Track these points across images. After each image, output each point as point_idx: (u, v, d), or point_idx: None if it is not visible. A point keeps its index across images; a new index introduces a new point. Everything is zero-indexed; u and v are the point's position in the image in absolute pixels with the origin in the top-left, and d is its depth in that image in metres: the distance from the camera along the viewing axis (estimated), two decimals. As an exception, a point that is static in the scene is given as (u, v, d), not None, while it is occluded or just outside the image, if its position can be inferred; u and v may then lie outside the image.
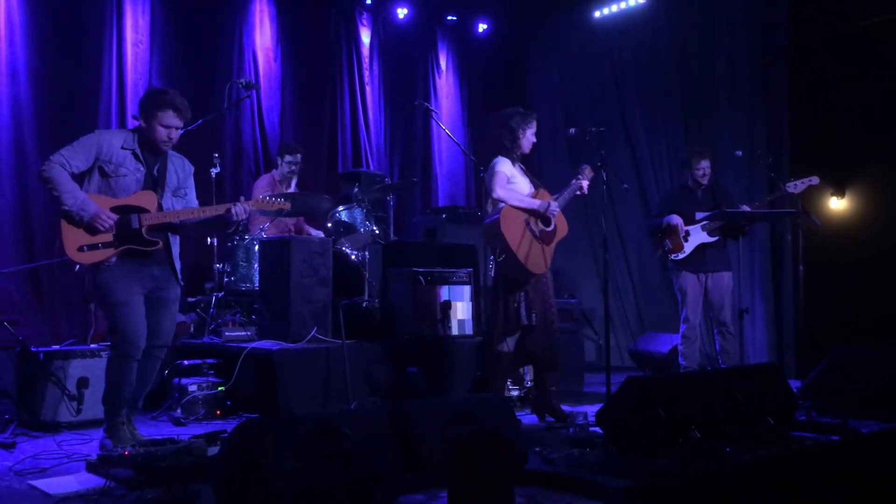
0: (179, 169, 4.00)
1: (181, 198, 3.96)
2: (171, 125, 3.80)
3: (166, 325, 3.93)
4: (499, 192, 4.56)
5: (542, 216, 4.56)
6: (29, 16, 5.97)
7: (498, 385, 4.67)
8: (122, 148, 3.79)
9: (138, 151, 3.82)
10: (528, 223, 4.56)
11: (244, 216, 3.90)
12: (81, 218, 3.63)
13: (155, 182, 3.86)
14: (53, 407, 4.38)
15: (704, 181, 5.76)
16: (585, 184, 4.62)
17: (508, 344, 4.58)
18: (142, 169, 3.82)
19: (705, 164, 5.74)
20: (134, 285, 3.76)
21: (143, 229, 3.75)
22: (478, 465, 2.14)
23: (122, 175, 3.77)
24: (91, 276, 3.80)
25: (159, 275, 3.86)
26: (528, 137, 4.66)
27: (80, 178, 3.74)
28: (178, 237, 3.96)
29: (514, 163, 4.69)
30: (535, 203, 4.55)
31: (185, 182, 4.02)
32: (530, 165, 5.04)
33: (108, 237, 3.68)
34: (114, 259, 3.71)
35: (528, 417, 4.69)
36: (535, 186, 4.72)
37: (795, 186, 5.47)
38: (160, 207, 3.82)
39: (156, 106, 3.78)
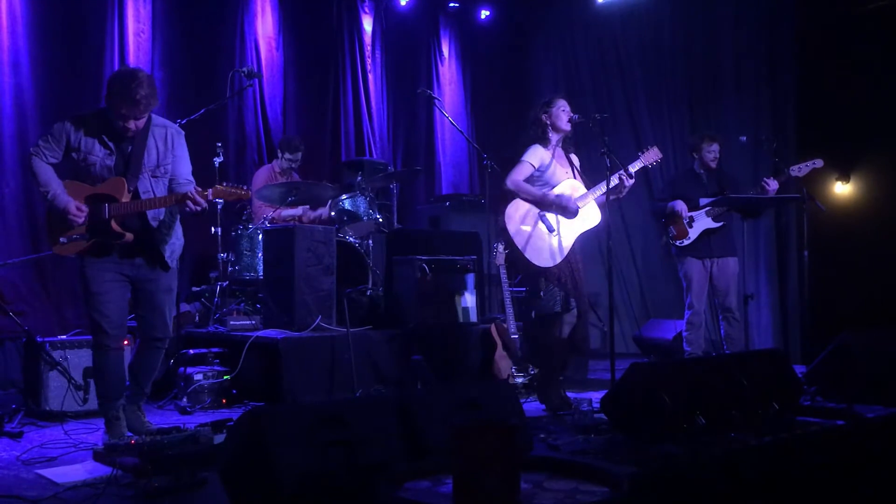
0: (161, 141, 3.69)
1: (161, 177, 3.69)
2: (127, 116, 3.51)
3: (161, 317, 3.78)
4: (509, 183, 4.56)
5: (561, 207, 4.53)
6: (31, 6, 5.96)
7: (550, 375, 4.64)
8: (88, 135, 3.58)
9: (105, 137, 3.59)
10: (541, 215, 4.55)
11: (197, 208, 3.61)
12: (56, 210, 3.56)
13: (126, 165, 3.61)
14: (60, 396, 4.39)
15: (714, 164, 5.72)
16: (627, 182, 4.52)
17: (555, 330, 4.57)
18: (111, 154, 3.61)
19: (716, 148, 5.71)
20: (111, 273, 3.64)
21: (112, 221, 3.57)
22: (483, 451, 2.14)
23: (91, 163, 3.59)
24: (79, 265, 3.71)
25: (142, 263, 3.70)
26: (557, 115, 4.60)
27: (58, 166, 3.65)
28: (161, 226, 3.72)
29: (548, 148, 4.65)
30: (548, 195, 4.53)
31: (166, 157, 3.70)
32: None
33: (83, 229, 3.59)
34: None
35: (532, 404, 4.70)
36: (575, 175, 4.68)
37: (800, 170, 5.44)
38: (136, 193, 3.62)
39: (113, 94, 3.50)
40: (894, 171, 6.88)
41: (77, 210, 3.54)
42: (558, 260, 4.51)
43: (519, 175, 4.56)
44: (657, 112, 8.11)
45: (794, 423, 3.92)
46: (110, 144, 3.61)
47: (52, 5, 6.05)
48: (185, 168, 3.79)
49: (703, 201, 5.60)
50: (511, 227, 4.53)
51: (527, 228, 4.53)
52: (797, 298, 6.97)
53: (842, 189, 7.27)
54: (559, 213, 4.54)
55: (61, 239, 3.60)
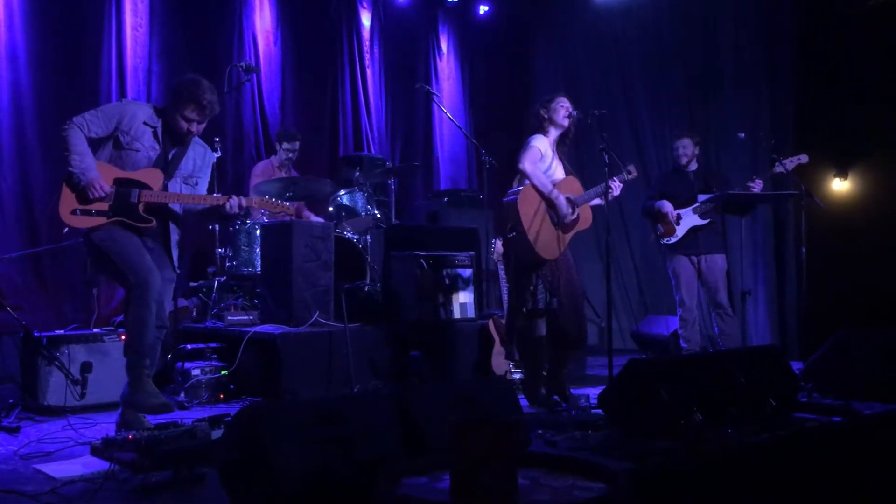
0: (199, 157, 3.99)
1: (191, 186, 3.94)
2: (191, 119, 3.79)
3: (160, 305, 3.81)
4: (527, 165, 4.48)
5: (559, 208, 4.52)
6: (28, 0, 5.93)
7: (534, 371, 4.65)
8: (145, 123, 3.78)
9: (159, 131, 3.81)
10: (548, 206, 4.55)
11: (237, 210, 3.85)
12: (79, 181, 3.62)
13: (166, 164, 3.84)
14: (57, 392, 4.38)
15: (682, 161, 5.77)
16: (617, 186, 4.57)
17: (539, 327, 4.57)
18: (157, 148, 3.81)
19: (680, 144, 5.75)
20: (134, 238, 3.73)
21: (141, 206, 3.72)
22: (480, 447, 2.14)
23: (136, 150, 3.76)
24: (86, 244, 3.74)
25: (153, 248, 3.82)
26: (557, 110, 4.61)
27: (96, 144, 3.74)
28: (178, 225, 3.94)
29: (551, 143, 4.66)
30: (554, 193, 4.52)
31: (200, 171, 4.00)
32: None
33: (104, 206, 3.68)
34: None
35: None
36: (567, 174, 4.69)
37: (785, 165, 5.46)
38: (165, 189, 3.81)
39: (180, 96, 3.78)
40: (892, 169, 6.89)
41: (101, 187, 3.63)
42: (557, 255, 4.51)
43: (533, 158, 4.51)
44: (656, 109, 8.11)
45: (791, 420, 3.92)
46: (161, 140, 3.81)
47: (48, -1, 6.03)
48: (205, 190, 4.08)
49: (702, 198, 5.61)
50: (525, 212, 4.43)
51: (539, 217, 4.47)
52: (795, 295, 6.98)
53: (840, 186, 7.28)
54: (554, 212, 4.53)
55: (77, 210, 3.65)
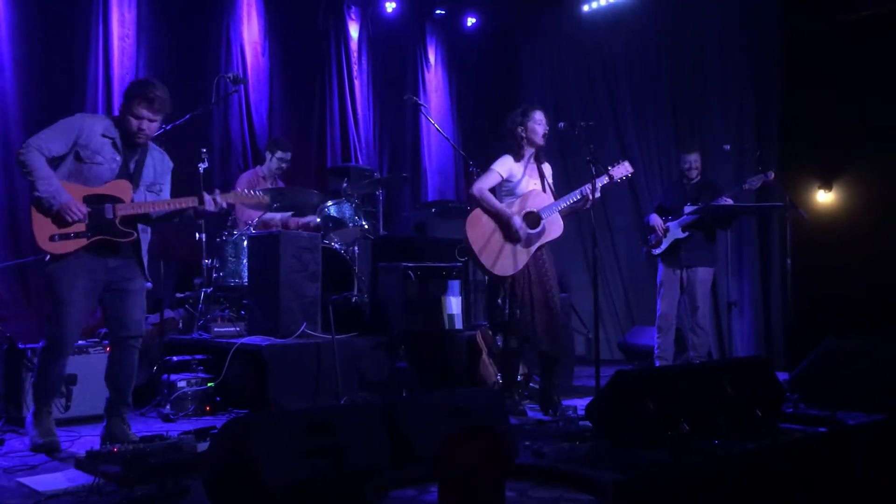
0: (158, 163, 3.93)
1: (155, 193, 3.89)
2: (141, 116, 3.71)
3: (134, 316, 3.82)
4: (475, 190, 4.62)
5: (511, 231, 4.54)
6: (13, 9, 5.91)
7: (506, 381, 4.73)
8: (103, 135, 3.72)
9: (118, 141, 3.74)
10: (502, 226, 4.59)
11: (214, 208, 3.83)
12: (51, 206, 3.53)
13: (130, 175, 3.78)
14: (41, 404, 4.34)
15: (692, 175, 5.82)
16: (589, 194, 4.55)
17: (509, 340, 4.63)
18: (118, 159, 3.74)
19: (691, 159, 5.83)
20: (81, 280, 3.65)
21: (117, 220, 3.67)
22: (469, 458, 2.14)
23: (98, 163, 3.69)
24: (44, 270, 3.70)
25: (117, 266, 3.76)
26: (532, 129, 4.65)
27: (55, 162, 3.65)
28: (147, 231, 3.90)
29: (520, 160, 4.69)
30: (505, 211, 4.56)
31: (162, 178, 3.94)
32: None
33: (81, 227, 3.61)
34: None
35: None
36: (544, 187, 4.71)
37: (752, 183, 5.55)
38: (132, 201, 3.76)
39: (129, 95, 3.74)
40: (876, 180, 6.95)
41: (78, 209, 3.58)
42: (511, 271, 4.55)
43: (485, 184, 4.63)
44: (642, 120, 8.16)
45: (777, 431, 3.94)
46: (120, 150, 3.76)
47: (35, 9, 6.00)
48: (169, 195, 4.00)
49: (688, 208, 5.65)
50: (473, 235, 4.57)
51: (485, 235, 4.56)
52: (780, 306, 7.01)
53: (824, 197, 7.34)
54: (506, 233, 4.56)
55: (55, 236, 3.58)
